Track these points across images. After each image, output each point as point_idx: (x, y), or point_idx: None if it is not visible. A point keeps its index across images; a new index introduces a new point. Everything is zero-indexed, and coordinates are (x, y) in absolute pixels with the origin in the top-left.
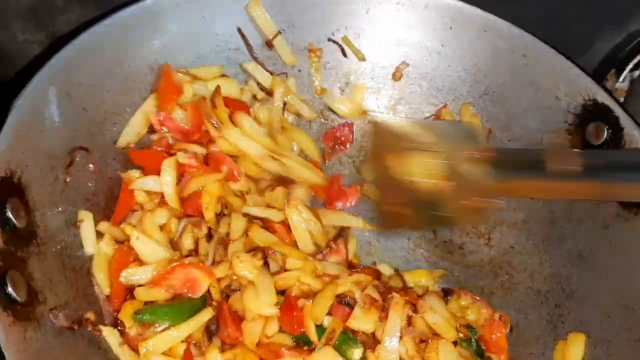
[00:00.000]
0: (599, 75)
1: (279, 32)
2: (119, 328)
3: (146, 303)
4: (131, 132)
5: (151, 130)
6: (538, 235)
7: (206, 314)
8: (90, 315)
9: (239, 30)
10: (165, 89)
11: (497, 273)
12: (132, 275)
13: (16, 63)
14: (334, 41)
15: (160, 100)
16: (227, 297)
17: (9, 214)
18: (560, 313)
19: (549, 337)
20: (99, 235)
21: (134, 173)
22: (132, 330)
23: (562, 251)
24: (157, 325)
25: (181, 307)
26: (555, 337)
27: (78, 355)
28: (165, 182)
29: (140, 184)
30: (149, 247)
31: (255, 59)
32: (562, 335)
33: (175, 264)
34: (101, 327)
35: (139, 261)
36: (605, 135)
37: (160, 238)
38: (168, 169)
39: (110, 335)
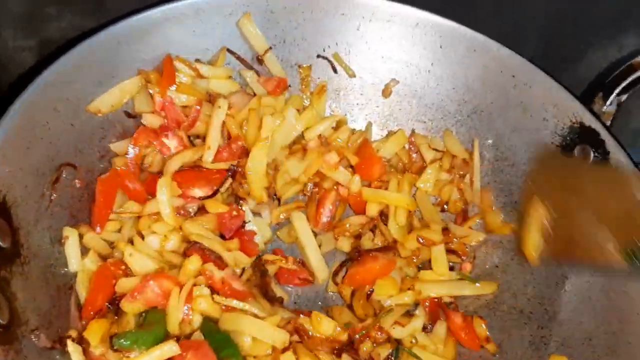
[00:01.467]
0: (586, 98)
1: (270, 48)
2: (83, 345)
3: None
4: (105, 101)
5: (128, 115)
6: (523, 255)
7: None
8: (73, 333)
9: (229, 50)
10: (166, 76)
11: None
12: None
13: (7, 69)
14: (324, 57)
15: (161, 86)
16: None
17: None
18: (543, 334)
19: (532, 358)
20: (85, 251)
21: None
22: (97, 350)
23: (546, 272)
24: (134, 351)
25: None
26: (538, 358)
27: None
28: (162, 201)
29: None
30: (142, 261)
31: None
32: (544, 357)
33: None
34: (68, 341)
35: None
36: (591, 158)
37: (153, 254)
38: (163, 188)
39: (74, 351)
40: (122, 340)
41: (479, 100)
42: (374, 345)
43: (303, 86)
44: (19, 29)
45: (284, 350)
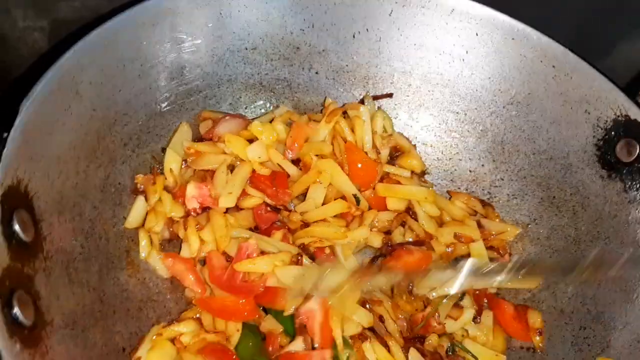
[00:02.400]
0: (631, 90)
1: None
2: None
3: None
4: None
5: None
6: (561, 252)
7: None
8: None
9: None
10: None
11: (518, 290)
12: None
13: (17, 50)
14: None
15: None
16: None
17: (16, 227)
18: (585, 335)
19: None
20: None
21: None
22: None
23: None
24: None
25: None
26: None
27: None
28: None
29: None
30: None
31: None
32: (588, 359)
33: None
34: None
35: None
36: (636, 153)
37: None
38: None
39: None
40: None
41: (516, 91)
42: (439, 336)
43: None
44: (30, 9)
45: (363, 338)
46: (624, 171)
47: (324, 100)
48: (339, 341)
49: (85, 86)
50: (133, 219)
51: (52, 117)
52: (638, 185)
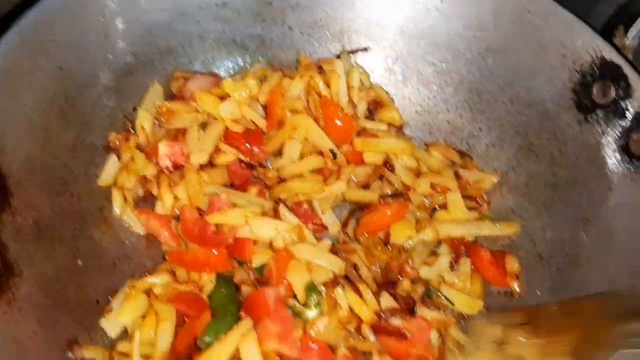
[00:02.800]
0: (606, 32)
1: None
2: None
3: None
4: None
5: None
6: (540, 198)
7: None
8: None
9: None
10: None
11: (497, 237)
12: None
13: None
14: None
15: None
16: None
17: None
18: (562, 278)
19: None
20: None
21: None
22: None
23: (565, 215)
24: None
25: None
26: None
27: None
28: None
29: None
30: None
31: None
32: None
33: None
34: None
35: None
36: (612, 94)
37: None
38: None
39: None
40: (206, 337)
41: (492, 38)
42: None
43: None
44: None
45: (335, 284)
46: (600, 113)
47: (299, 57)
48: (298, 287)
49: (50, 45)
50: (106, 176)
51: (18, 76)
52: (614, 127)
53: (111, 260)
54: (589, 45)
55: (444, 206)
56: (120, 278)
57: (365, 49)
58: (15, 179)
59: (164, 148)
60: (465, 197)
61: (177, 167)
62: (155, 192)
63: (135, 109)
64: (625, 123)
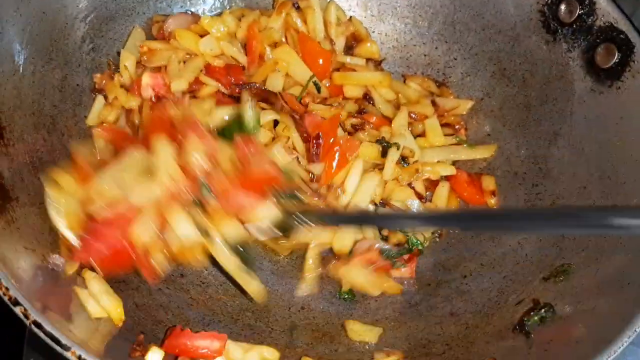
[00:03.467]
0: None
1: None
2: None
3: None
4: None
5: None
6: (514, 120)
7: None
8: None
9: None
10: None
11: (474, 161)
12: None
13: None
14: None
15: None
16: None
17: None
18: (538, 192)
19: None
20: None
21: None
22: None
23: (538, 133)
24: None
25: None
26: None
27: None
28: None
29: None
30: None
31: None
32: None
33: None
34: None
35: None
36: (577, 12)
37: None
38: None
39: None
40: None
41: None
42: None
43: None
44: None
45: None
46: (567, 32)
47: None
48: None
49: None
50: (93, 116)
51: (1, 18)
52: (580, 43)
53: None
54: None
55: (422, 134)
56: None
57: None
58: (6, 114)
59: (146, 78)
60: (444, 125)
61: (159, 98)
62: (137, 119)
63: (119, 54)
64: (591, 38)
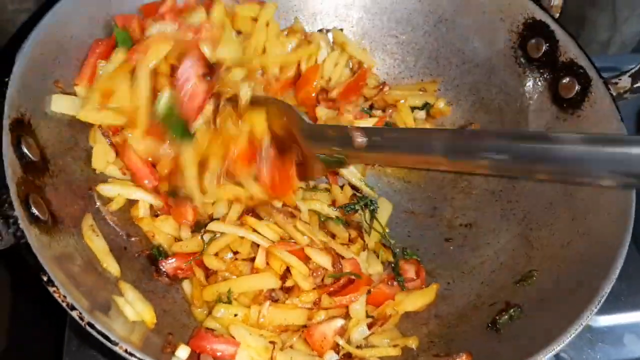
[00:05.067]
0: None
1: None
2: None
3: None
4: None
5: None
6: None
7: None
8: None
9: None
10: None
11: (457, 181)
12: None
13: (6, 31)
14: None
15: None
16: None
17: (24, 149)
18: (511, 207)
19: (502, 228)
20: None
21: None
22: None
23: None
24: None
25: None
26: (507, 227)
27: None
28: None
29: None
30: None
31: None
32: (512, 225)
33: None
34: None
35: None
36: (543, 49)
37: None
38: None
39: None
40: None
41: (443, 10)
42: None
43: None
44: None
45: None
46: (535, 66)
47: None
48: None
49: (67, 40)
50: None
51: (43, 66)
52: (546, 76)
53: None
54: (522, 8)
55: None
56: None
57: (341, 30)
58: (50, 149)
59: None
60: None
61: None
62: None
63: None
64: (555, 72)
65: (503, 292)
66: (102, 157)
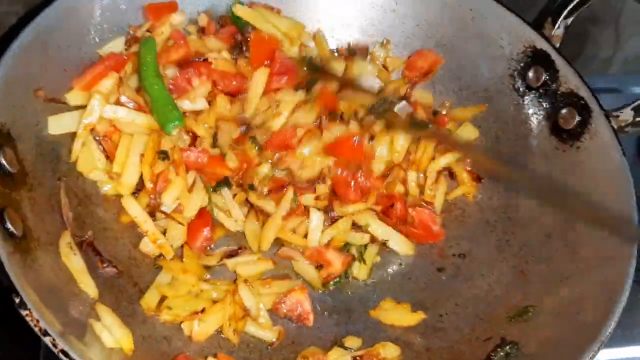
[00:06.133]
0: (537, 24)
1: None
2: None
3: None
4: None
5: None
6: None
7: None
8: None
9: None
10: None
11: (451, 209)
12: None
13: None
14: None
15: None
16: None
17: (2, 160)
18: (507, 238)
19: (497, 259)
20: None
21: None
22: None
23: (508, 186)
24: None
25: None
26: (502, 259)
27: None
28: None
29: None
30: None
31: None
32: (508, 257)
33: None
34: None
35: None
36: (543, 78)
37: None
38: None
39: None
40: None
41: (441, 35)
42: None
43: None
44: None
45: None
46: (534, 95)
47: None
48: None
49: (53, 48)
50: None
51: (28, 74)
52: (545, 106)
53: (114, 234)
54: (522, 36)
55: None
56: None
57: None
58: (29, 161)
59: None
60: None
61: None
62: None
63: None
64: (555, 102)
65: (498, 327)
66: (90, 161)
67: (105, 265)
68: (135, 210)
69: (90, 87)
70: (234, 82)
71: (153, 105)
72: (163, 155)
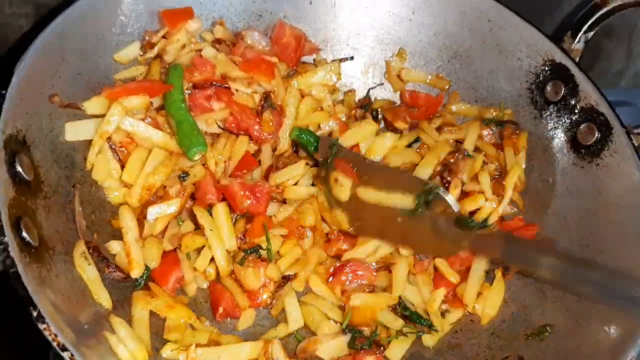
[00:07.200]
0: (557, 37)
1: None
2: None
3: None
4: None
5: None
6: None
7: None
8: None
9: None
10: None
11: None
12: None
13: (4, 35)
14: None
15: None
16: None
17: (18, 168)
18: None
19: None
20: None
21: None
22: None
23: (527, 200)
24: None
25: None
26: (521, 276)
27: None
28: None
29: None
30: None
31: None
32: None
33: None
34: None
35: None
36: (562, 92)
37: None
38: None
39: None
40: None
41: (458, 45)
42: None
43: None
44: None
45: None
46: (552, 110)
47: None
48: None
49: (69, 53)
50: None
51: (43, 80)
52: (564, 121)
53: None
54: (541, 50)
55: None
56: None
57: (351, 58)
58: (44, 168)
59: None
60: None
61: None
62: None
63: None
64: (574, 117)
65: (515, 345)
66: (104, 169)
67: (111, 269)
68: (126, 218)
69: (117, 98)
70: (250, 121)
71: (178, 128)
72: (184, 175)
